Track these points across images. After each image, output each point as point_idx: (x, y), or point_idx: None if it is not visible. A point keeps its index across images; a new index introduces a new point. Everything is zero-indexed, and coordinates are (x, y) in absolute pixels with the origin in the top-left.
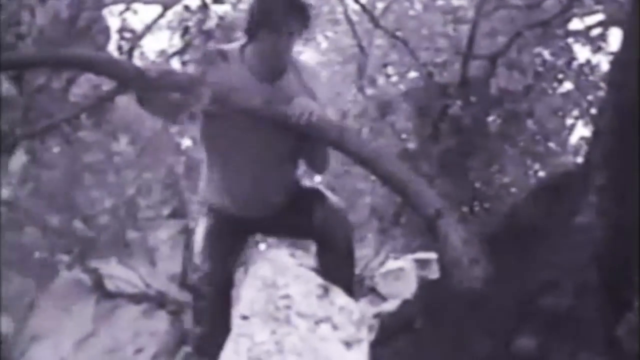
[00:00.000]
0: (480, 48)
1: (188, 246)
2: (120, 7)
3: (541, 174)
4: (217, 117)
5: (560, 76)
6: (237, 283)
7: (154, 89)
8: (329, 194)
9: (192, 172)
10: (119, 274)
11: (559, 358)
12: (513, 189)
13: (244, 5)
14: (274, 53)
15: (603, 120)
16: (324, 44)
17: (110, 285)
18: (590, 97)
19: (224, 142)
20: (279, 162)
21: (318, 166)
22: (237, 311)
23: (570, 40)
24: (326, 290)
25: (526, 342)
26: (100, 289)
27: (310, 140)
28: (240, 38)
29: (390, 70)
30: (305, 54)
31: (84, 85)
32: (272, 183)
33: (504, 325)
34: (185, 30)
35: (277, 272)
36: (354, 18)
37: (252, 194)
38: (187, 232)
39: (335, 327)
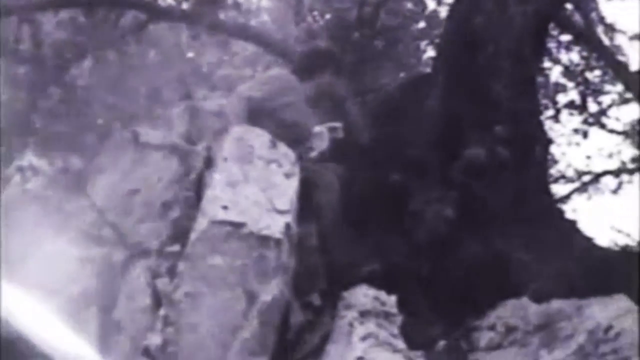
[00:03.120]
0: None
1: (191, 116)
2: None
3: (406, 76)
4: None
5: (418, 18)
6: None
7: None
8: None
9: (195, 74)
10: (150, 132)
11: (416, 187)
12: (389, 86)
13: None
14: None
15: (442, 45)
16: None
17: (143, 139)
18: (435, 32)
19: None
20: None
21: None
22: (220, 155)
23: None
24: (274, 143)
25: (396, 176)
26: (137, 142)
27: None
28: None
29: (315, 13)
30: (263, 1)
31: (129, 16)
32: None
33: (382, 165)
34: None
35: (246, 132)
36: None
37: None
38: (191, 109)
39: (280, 165)
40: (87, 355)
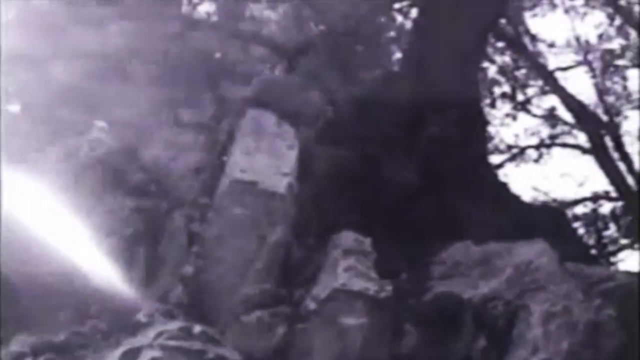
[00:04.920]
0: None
1: (217, 102)
2: None
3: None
4: None
5: (389, 28)
6: None
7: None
8: None
9: (221, 70)
10: (186, 114)
11: (388, 156)
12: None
13: None
14: None
15: (408, 50)
16: None
17: (181, 119)
18: (403, 39)
19: None
20: None
21: None
22: (239, 131)
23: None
24: (279, 122)
25: (373, 148)
26: (177, 121)
27: None
28: None
29: (311, 23)
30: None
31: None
32: None
33: (362, 140)
34: None
35: (258, 114)
36: None
37: None
38: (217, 97)
39: (284, 139)
40: (130, 290)
